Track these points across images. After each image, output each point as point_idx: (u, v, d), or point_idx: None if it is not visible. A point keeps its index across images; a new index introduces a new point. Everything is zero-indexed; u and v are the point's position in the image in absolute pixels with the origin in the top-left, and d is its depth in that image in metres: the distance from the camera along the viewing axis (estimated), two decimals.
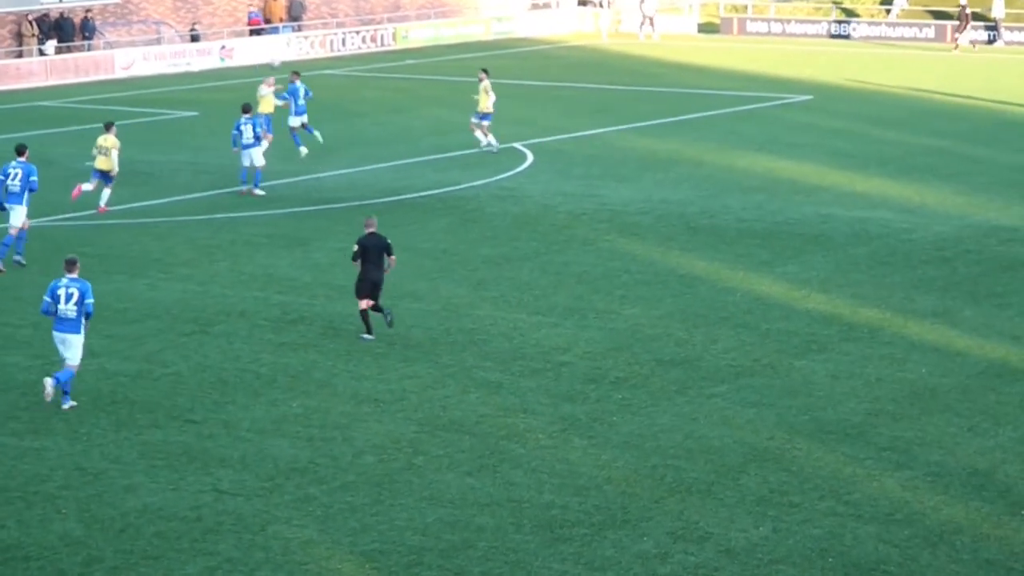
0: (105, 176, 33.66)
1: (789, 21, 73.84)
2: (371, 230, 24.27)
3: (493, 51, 68.96)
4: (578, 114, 49.09)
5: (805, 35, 72.74)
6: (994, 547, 16.43)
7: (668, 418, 20.63)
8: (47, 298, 21.02)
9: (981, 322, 24.83)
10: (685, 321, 25.21)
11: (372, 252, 24.06)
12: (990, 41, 68.43)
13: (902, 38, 69.82)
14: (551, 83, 57.43)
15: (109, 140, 33.70)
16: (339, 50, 67.96)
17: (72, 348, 21.00)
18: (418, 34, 71.11)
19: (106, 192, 33.87)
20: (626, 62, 64.17)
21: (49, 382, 20.89)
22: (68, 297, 20.85)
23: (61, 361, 21.28)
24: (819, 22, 73.30)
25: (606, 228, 32.42)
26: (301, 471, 18.91)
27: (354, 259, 24.22)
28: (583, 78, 58.57)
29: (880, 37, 70.86)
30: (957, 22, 67.16)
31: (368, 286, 24.15)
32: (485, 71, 41.35)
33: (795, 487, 18.16)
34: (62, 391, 21.06)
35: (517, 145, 42.80)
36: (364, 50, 68.47)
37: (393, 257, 24.33)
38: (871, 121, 46.52)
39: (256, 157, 35.79)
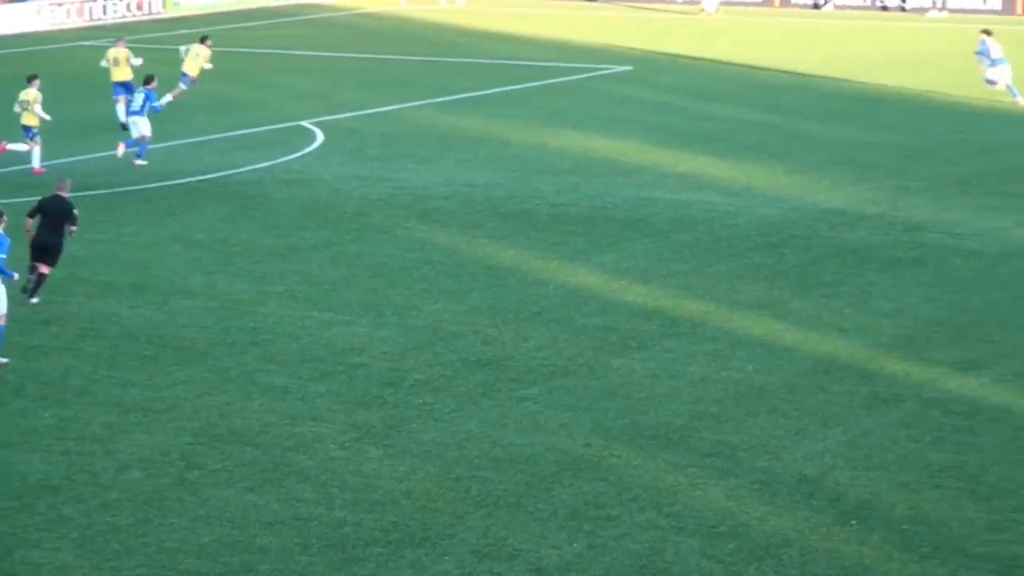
0: (30, 132, 35.89)
1: None
2: (59, 193, 26.04)
3: (280, 19, 68.45)
4: (373, 88, 48.98)
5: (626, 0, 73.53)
6: (823, 560, 16.82)
7: (474, 424, 20.72)
8: None
9: (809, 314, 25.38)
10: (493, 317, 25.34)
11: (51, 216, 25.68)
12: (816, 6, 69.94)
13: (740, 2, 70.38)
14: (343, 54, 57.20)
15: (31, 94, 35.91)
16: (99, 19, 66.80)
17: None
18: (192, 1, 70.24)
19: (36, 151, 35.68)
20: (427, 31, 64.24)
21: None
22: None
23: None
24: None
25: (405, 215, 32.42)
26: (54, 489, 18.59)
27: (29, 216, 25.76)
28: (379, 48, 58.37)
29: None
30: None
31: (37, 251, 25.66)
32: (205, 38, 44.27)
33: (612, 498, 18.37)
34: None
35: (305, 123, 42.57)
36: (129, 19, 67.40)
37: (75, 228, 25.98)
38: (696, 94, 47.20)
39: (143, 126, 37.06)
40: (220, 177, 36.03)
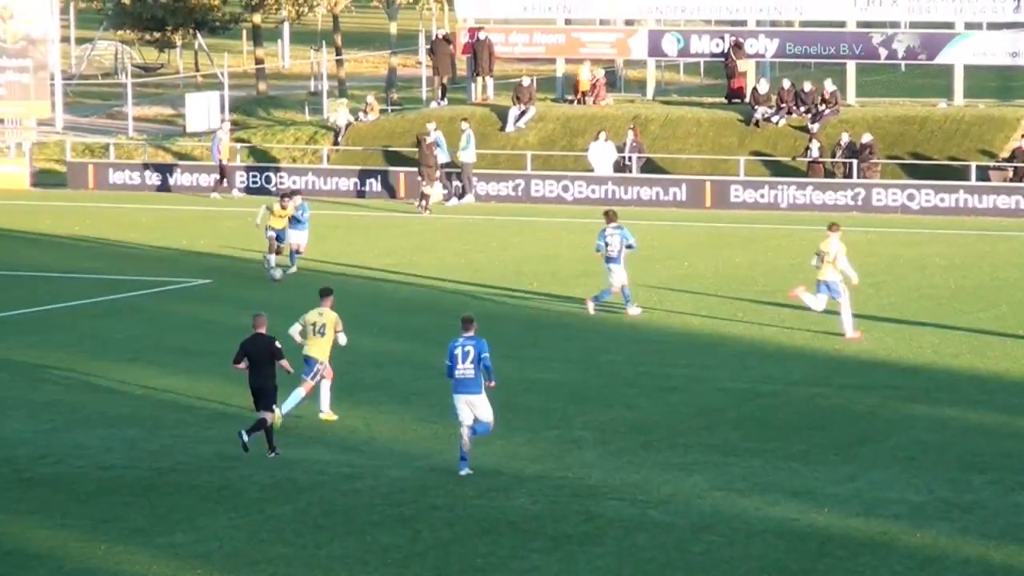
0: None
1: (175, 167, 75.68)
2: (256, 331, 32.16)
3: None
4: None
5: (196, 190, 74.50)
6: None
7: None
8: (447, 361, 30.40)
9: None
10: None
11: (253, 357, 32.09)
12: (457, 196, 71.53)
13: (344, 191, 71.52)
14: None
15: (830, 246, 43.62)
16: None
17: (480, 409, 30.48)
18: None
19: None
20: None
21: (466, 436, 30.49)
22: (465, 355, 30.23)
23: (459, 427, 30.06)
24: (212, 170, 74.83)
25: None
26: None
27: (234, 362, 32.46)
28: None
29: (315, 190, 72.57)
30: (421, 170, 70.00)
31: (253, 396, 32.36)
32: None
33: None
34: (459, 457, 30.55)
35: None
36: None
37: (284, 362, 32.23)
38: (290, 314, 46.40)
39: None
40: None
